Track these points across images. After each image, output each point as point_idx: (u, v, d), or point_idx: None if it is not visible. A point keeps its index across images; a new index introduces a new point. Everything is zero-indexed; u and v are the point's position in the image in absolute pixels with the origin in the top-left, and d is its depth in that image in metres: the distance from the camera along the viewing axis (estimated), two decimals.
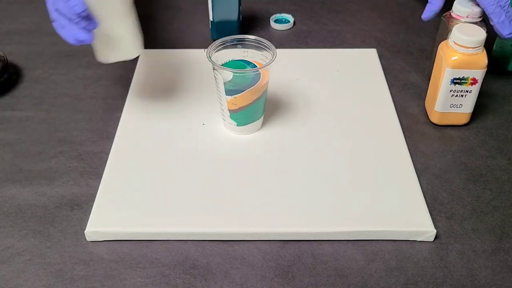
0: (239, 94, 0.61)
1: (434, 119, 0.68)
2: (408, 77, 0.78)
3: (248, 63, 0.64)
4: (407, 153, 0.64)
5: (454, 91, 0.64)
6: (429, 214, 0.57)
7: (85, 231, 0.55)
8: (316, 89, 0.73)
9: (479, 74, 0.63)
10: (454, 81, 0.63)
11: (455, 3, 0.67)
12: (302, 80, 0.75)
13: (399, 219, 0.56)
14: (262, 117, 0.67)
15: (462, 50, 0.62)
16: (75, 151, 0.65)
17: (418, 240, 0.56)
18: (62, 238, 0.56)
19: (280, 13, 0.91)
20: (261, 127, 0.67)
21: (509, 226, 0.57)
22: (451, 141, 0.67)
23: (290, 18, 0.89)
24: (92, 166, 0.63)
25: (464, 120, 0.68)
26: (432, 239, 0.56)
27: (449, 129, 0.69)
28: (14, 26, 0.88)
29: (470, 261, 0.54)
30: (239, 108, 0.63)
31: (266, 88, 0.64)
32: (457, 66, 0.62)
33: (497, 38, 0.77)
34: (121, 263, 0.53)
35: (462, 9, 0.65)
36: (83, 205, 0.59)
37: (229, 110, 0.64)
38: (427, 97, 0.70)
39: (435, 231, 0.55)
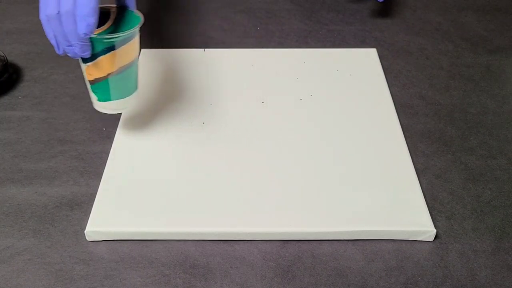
0: (91, 63, 0.57)
1: None
2: (408, 77, 0.78)
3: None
4: (407, 153, 0.64)
5: None
6: (429, 214, 0.57)
7: (85, 231, 0.55)
8: (316, 89, 0.73)
9: None
10: None
11: None
12: (302, 80, 0.75)
13: (399, 219, 0.56)
14: (133, 95, 0.62)
15: None
16: (75, 151, 0.65)
17: (418, 240, 0.56)
18: (62, 238, 0.56)
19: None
20: (136, 105, 0.62)
21: (509, 226, 0.57)
22: (451, 141, 0.67)
23: None
24: (92, 166, 0.63)
25: None
26: (432, 239, 0.56)
27: (449, 129, 0.69)
28: (14, 26, 0.88)
29: (470, 261, 0.54)
30: (95, 79, 0.58)
31: (132, 62, 0.59)
32: None
33: None
34: (121, 263, 0.53)
35: None
36: (83, 205, 0.59)
37: (88, 81, 0.59)
38: None
39: (435, 231, 0.55)
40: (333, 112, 0.69)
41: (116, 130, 0.67)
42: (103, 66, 0.57)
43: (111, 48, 0.56)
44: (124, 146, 0.64)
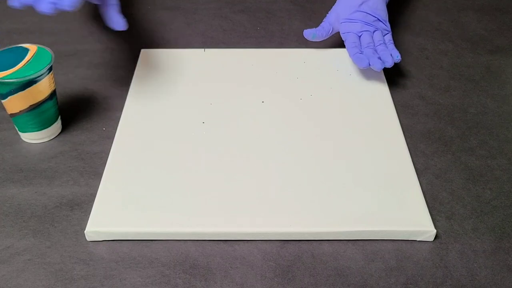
0: (4, 100, 0.62)
1: None
2: (408, 77, 0.78)
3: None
4: (407, 153, 0.64)
5: None
6: (429, 214, 0.57)
7: (85, 231, 0.55)
8: (316, 89, 0.73)
9: None
10: None
11: None
12: (302, 80, 0.75)
13: (399, 219, 0.56)
14: (53, 126, 0.66)
15: None
16: (75, 151, 0.65)
17: (418, 240, 0.56)
18: (62, 238, 0.56)
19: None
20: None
21: (509, 226, 0.57)
22: (451, 141, 0.67)
23: None
24: (92, 166, 0.63)
25: None
26: (432, 239, 0.56)
27: (449, 129, 0.69)
28: (14, 26, 0.88)
29: (470, 261, 0.54)
30: (11, 114, 0.64)
31: (44, 100, 0.63)
32: None
33: None
34: (121, 263, 0.53)
35: None
36: (83, 205, 0.59)
37: (8, 114, 0.64)
38: None
39: (435, 231, 0.55)
40: (333, 112, 0.69)
41: (116, 130, 0.67)
42: (14, 104, 0.62)
43: (17, 89, 0.60)
44: (124, 146, 0.64)
